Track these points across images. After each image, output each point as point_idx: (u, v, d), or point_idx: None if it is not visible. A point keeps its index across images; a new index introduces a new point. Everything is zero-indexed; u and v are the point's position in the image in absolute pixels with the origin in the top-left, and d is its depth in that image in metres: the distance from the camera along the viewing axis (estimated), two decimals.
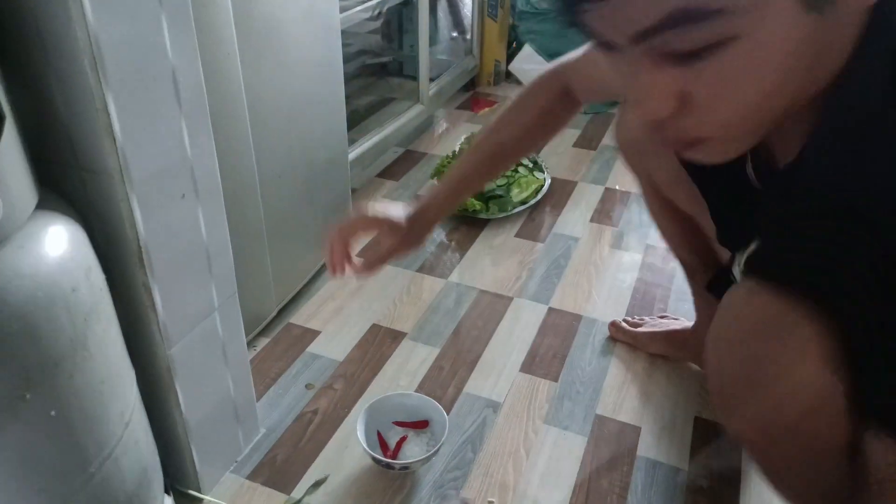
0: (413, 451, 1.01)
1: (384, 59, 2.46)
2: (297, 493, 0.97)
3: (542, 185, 1.76)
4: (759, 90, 0.43)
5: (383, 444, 1.02)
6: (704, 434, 1.08)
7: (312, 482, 0.99)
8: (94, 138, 0.67)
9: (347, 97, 2.23)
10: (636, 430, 1.09)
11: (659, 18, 0.39)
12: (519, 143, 0.92)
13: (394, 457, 1.00)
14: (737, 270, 0.73)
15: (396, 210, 0.89)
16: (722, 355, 0.56)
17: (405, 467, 0.98)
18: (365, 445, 0.97)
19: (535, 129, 0.91)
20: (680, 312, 1.35)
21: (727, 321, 0.56)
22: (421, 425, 1.04)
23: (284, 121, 1.19)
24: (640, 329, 1.27)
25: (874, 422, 0.51)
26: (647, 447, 1.06)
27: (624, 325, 1.28)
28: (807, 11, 0.40)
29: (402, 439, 1.03)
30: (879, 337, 0.48)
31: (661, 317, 1.31)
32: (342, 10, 1.59)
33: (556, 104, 0.90)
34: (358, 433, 0.99)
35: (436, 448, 0.97)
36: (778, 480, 0.63)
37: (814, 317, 0.51)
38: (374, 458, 0.97)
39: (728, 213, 0.75)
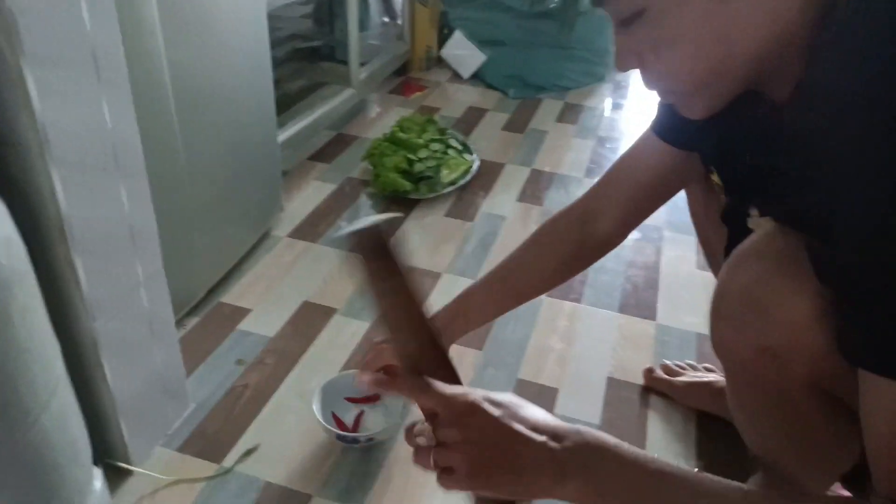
0: (372, 423, 1.04)
1: (315, 44, 2.46)
2: (228, 462, 1.00)
3: (471, 167, 1.81)
4: (693, 50, 0.52)
5: (339, 423, 1.03)
6: (617, 392, 1.16)
7: (243, 451, 1.02)
8: (12, 112, 0.68)
9: (278, 81, 2.23)
10: (554, 392, 1.16)
11: None
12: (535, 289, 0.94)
13: (355, 431, 1.02)
14: (752, 221, 0.73)
15: None
16: (736, 272, 0.61)
17: (370, 439, 0.99)
18: (325, 424, 0.98)
19: (553, 277, 0.94)
20: (599, 284, 1.44)
21: (748, 246, 0.61)
22: (373, 399, 1.07)
23: (211, 101, 1.20)
24: (679, 378, 1.13)
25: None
26: (564, 406, 1.13)
27: (660, 373, 1.15)
28: None
29: (360, 414, 1.05)
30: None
31: (707, 368, 1.16)
32: None
33: (573, 248, 0.90)
34: (316, 413, 0.99)
35: (400, 415, 0.99)
36: (750, 416, 0.69)
37: (807, 262, 0.55)
38: (338, 436, 0.99)
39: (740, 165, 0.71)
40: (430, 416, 0.56)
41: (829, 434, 0.66)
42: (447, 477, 0.54)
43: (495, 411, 0.54)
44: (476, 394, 0.55)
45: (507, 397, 0.56)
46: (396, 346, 0.59)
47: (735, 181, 0.73)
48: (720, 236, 0.80)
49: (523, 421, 0.54)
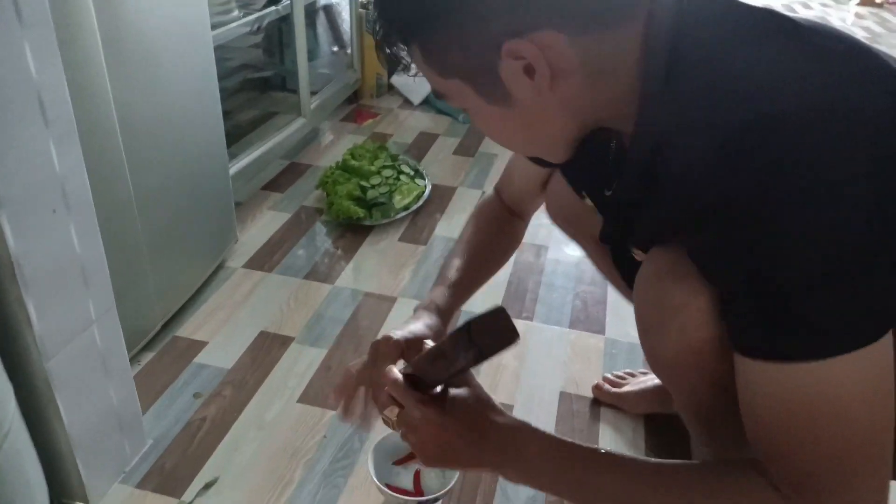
0: (428, 479, 0.97)
1: (266, 74, 2.48)
2: (188, 496, 1.00)
3: (424, 192, 1.85)
4: (518, 140, 0.64)
5: (398, 489, 0.95)
6: (569, 406, 1.20)
7: (202, 485, 1.02)
8: None
9: (230, 112, 2.24)
10: (509, 408, 1.18)
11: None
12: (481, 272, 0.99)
13: (421, 494, 0.95)
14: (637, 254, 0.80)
15: (417, 326, 0.81)
16: (641, 294, 0.67)
17: (436, 499, 0.93)
18: (389, 492, 0.92)
19: (491, 263, 0.99)
20: (550, 301, 1.48)
21: (645, 270, 0.68)
22: (412, 455, 0.96)
23: (159, 135, 1.21)
24: (624, 389, 1.20)
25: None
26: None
27: (607, 386, 1.21)
28: (487, 103, 0.58)
29: (417, 474, 0.98)
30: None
31: (643, 373, 1.23)
32: (220, 24, 1.62)
33: (501, 235, 0.97)
34: (376, 481, 0.92)
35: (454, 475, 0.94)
36: (686, 402, 0.75)
37: (693, 268, 0.61)
38: (405, 501, 0.91)
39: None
40: (401, 408, 0.68)
41: None
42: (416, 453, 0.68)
43: (445, 418, 0.65)
44: (436, 399, 0.66)
45: (466, 399, 0.66)
46: (422, 371, 0.67)
47: (602, 205, 0.80)
48: (603, 252, 0.95)
49: (472, 420, 0.65)
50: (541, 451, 0.63)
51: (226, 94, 2.31)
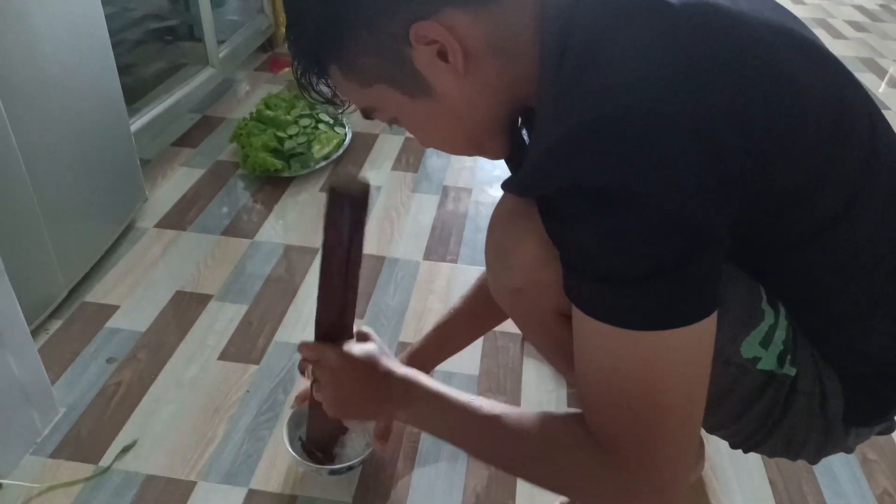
0: (350, 448, 0.98)
1: (171, 23, 2.34)
2: (106, 461, 0.98)
3: (344, 140, 1.81)
4: (444, 135, 0.64)
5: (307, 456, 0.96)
6: (494, 343, 1.22)
7: (121, 449, 0.99)
8: None
9: (133, 65, 2.11)
10: None
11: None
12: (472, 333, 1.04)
13: (332, 461, 0.96)
14: None
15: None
16: (487, 237, 0.70)
17: (350, 468, 0.95)
18: (298, 457, 0.93)
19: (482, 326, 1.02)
20: (474, 243, 1.49)
21: (493, 213, 0.69)
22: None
23: (43, 92, 1.13)
24: None
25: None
26: (445, 361, 1.17)
27: None
28: (412, 99, 0.59)
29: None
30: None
31: None
32: None
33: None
34: (288, 448, 0.93)
35: (369, 433, 0.97)
36: (528, 334, 0.78)
37: (533, 213, 0.62)
38: (317, 469, 0.94)
39: None
40: (314, 362, 0.76)
41: None
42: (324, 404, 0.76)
43: (349, 366, 0.73)
44: (342, 350, 0.74)
45: (367, 353, 0.74)
46: (319, 309, 0.75)
47: None
48: None
49: (372, 370, 0.73)
50: (426, 401, 0.70)
51: (129, 46, 2.19)
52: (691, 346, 0.53)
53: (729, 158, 0.50)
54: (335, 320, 0.76)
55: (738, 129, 0.50)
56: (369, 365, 0.73)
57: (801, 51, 0.56)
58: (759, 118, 0.51)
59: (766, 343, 0.63)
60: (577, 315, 0.56)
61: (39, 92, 1.12)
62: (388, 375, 0.73)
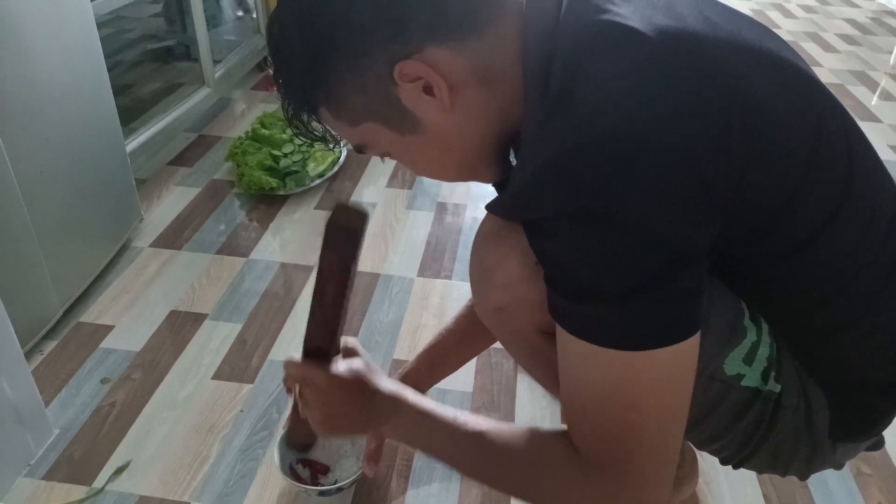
0: (341, 469, 0.99)
1: (168, 43, 2.37)
2: (99, 482, 0.98)
3: (339, 158, 1.82)
4: (436, 166, 0.65)
5: (297, 476, 0.96)
6: (488, 360, 1.22)
7: (115, 469, 0.99)
8: None
9: (131, 85, 2.14)
10: None
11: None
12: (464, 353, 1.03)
13: (317, 483, 0.97)
14: None
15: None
16: (471, 256, 0.71)
17: (340, 489, 0.95)
18: (289, 479, 0.93)
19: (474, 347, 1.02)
20: (467, 259, 1.49)
21: (478, 231, 0.71)
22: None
23: (38, 115, 1.14)
24: None
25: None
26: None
27: None
28: (401, 134, 0.60)
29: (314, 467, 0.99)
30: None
31: None
32: None
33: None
34: (279, 469, 0.93)
35: (358, 456, 0.98)
36: (512, 352, 0.79)
37: (516, 232, 0.63)
38: (319, 493, 0.94)
39: None
40: (301, 381, 0.74)
41: None
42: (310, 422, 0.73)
43: (336, 385, 0.70)
44: (329, 370, 0.70)
45: (354, 371, 0.71)
46: (309, 330, 0.73)
47: None
48: None
49: (359, 388, 0.70)
50: (412, 418, 0.69)
51: (125, 67, 2.21)
52: (673, 365, 0.53)
53: (709, 180, 0.51)
54: (324, 342, 0.77)
55: (716, 151, 0.51)
56: (357, 383, 0.73)
57: (778, 74, 0.57)
58: (736, 142, 0.52)
59: (749, 360, 0.63)
60: (561, 333, 0.56)
61: (34, 113, 1.13)
62: (376, 393, 0.72)
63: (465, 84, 0.57)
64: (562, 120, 0.53)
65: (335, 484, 0.95)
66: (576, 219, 0.51)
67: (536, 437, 0.63)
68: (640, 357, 0.52)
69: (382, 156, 0.66)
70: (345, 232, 0.67)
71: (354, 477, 0.95)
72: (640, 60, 0.52)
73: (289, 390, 0.81)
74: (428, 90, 0.57)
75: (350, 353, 0.78)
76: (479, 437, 0.64)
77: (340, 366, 0.74)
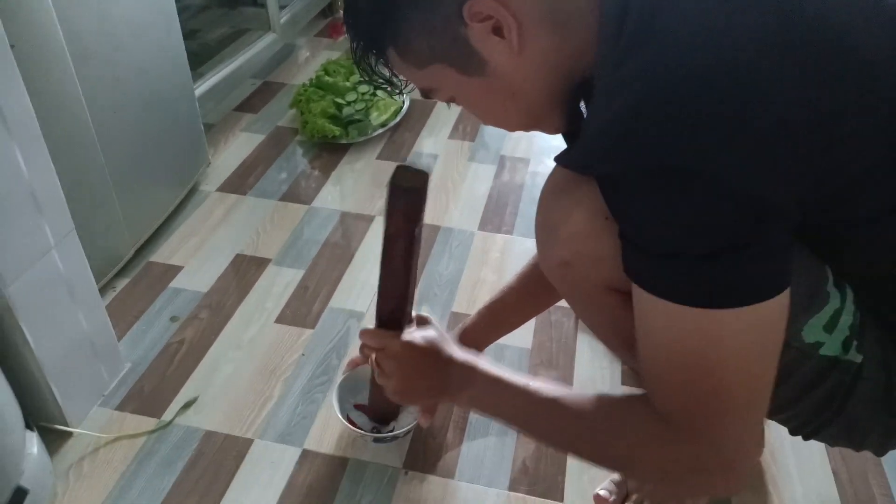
0: (398, 418, 0.99)
1: None
2: (168, 416, 1.02)
3: (402, 107, 1.80)
4: (501, 112, 0.63)
5: (354, 424, 0.97)
6: (547, 317, 1.20)
7: (182, 404, 1.03)
8: None
9: (197, 30, 2.14)
10: None
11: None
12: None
13: (374, 430, 0.98)
14: None
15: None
16: (537, 210, 0.69)
17: (395, 437, 0.96)
18: (346, 423, 0.95)
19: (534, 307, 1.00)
20: (529, 214, 1.46)
21: (544, 185, 0.69)
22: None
23: (113, 58, 1.16)
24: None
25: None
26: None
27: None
28: (468, 77, 0.59)
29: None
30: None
31: None
32: None
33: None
34: (338, 414, 0.95)
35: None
36: (577, 309, 0.78)
37: (585, 185, 0.61)
38: (374, 440, 0.96)
39: None
40: (377, 350, 0.78)
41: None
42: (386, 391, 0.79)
43: (412, 355, 0.75)
44: (404, 339, 0.75)
45: (429, 340, 0.75)
46: (380, 297, 0.77)
47: None
48: None
49: (433, 357, 0.74)
50: (486, 387, 0.70)
51: (193, 12, 2.22)
52: (760, 324, 0.51)
53: (798, 136, 0.48)
54: (396, 308, 0.77)
55: (807, 107, 0.48)
56: (431, 352, 0.75)
57: (880, 27, 0.52)
58: (828, 99, 0.48)
59: (830, 328, 0.60)
60: (638, 293, 0.54)
61: (109, 55, 1.15)
62: (450, 362, 0.74)
63: (536, 26, 0.55)
64: (637, 65, 0.50)
65: (391, 432, 0.96)
66: (654, 175, 0.49)
67: (613, 402, 0.62)
68: (724, 315, 0.50)
69: (449, 101, 0.64)
70: (408, 193, 0.67)
71: (410, 427, 0.96)
72: None
73: (366, 358, 0.82)
74: (497, 31, 0.55)
75: (423, 322, 0.79)
76: (554, 404, 0.64)
77: (415, 334, 0.76)
